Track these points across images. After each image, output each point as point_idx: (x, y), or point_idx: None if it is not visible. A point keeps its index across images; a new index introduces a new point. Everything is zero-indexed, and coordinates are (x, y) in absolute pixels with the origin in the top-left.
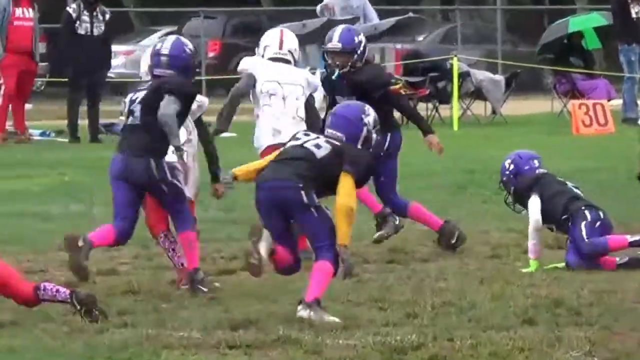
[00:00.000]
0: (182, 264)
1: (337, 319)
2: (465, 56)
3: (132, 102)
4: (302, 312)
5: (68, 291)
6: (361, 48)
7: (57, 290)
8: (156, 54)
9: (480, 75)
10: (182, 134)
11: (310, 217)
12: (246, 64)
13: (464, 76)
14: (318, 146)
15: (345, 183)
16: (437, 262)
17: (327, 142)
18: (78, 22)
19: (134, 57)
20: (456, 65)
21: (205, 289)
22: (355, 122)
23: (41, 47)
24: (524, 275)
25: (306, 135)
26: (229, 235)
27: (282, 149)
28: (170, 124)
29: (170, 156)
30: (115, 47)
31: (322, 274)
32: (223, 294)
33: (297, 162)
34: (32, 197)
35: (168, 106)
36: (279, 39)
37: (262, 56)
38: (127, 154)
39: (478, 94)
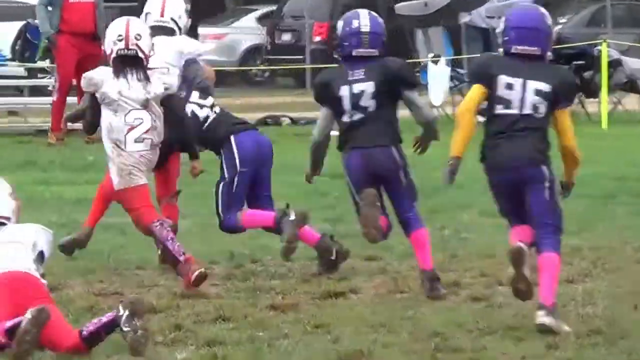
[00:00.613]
0: (184, 254)
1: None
2: (617, 41)
3: (355, 96)
4: (545, 319)
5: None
6: None
7: (99, 319)
8: (354, 33)
9: (635, 63)
10: (147, 120)
11: (544, 194)
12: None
13: (614, 65)
14: (535, 108)
15: (567, 122)
16: (583, 283)
17: (537, 92)
18: None
19: (227, 42)
20: (605, 52)
21: (443, 290)
22: (544, 28)
23: None
24: None
25: (509, 88)
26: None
27: (497, 112)
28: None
29: (135, 145)
30: (202, 30)
31: (554, 268)
32: (331, 320)
33: (531, 133)
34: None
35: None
36: (161, 4)
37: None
38: (363, 147)
39: (631, 86)
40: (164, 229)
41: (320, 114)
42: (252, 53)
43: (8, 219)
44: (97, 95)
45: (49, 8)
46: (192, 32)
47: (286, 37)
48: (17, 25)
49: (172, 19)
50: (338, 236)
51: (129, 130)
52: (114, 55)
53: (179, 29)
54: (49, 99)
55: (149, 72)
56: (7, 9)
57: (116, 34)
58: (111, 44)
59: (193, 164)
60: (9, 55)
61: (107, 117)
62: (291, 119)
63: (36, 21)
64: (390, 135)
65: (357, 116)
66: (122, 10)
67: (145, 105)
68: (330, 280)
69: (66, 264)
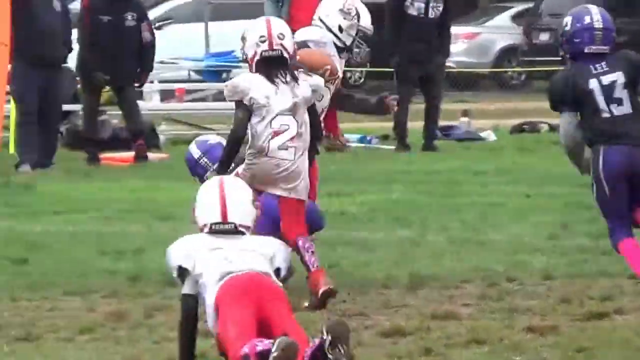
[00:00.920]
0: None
1: None
2: None
3: (607, 88)
4: None
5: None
6: None
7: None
8: (587, 29)
9: None
10: (293, 126)
11: None
12: None
13: None
14: None
15: None
16: None
17: None
18: (410, 0)
19: (479, 42)
20: None
21: None
22: None
23: None
24: None
25: None
26: (600, 269)
27: None
28: None
29: (278, 152)
30: (454, 29)
31: None
32: (593, 343)
33: None
34: (349, 219)
35: None
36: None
37: None
38: (628, 144)
39: None
40: None
41: (562, 120)
42: (507, 54)
43: (248, 228)
44: (245, 102)
45: (279, 4)
46: (445, 32)
47: (544, 36)
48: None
49: (319, 18)
50: (599, 252)
51: (273, 135)
52: (257, 57)
53: (327, 27)
54: None
55: (295, 73)
56: (238, 7)
57: (258, 35)
58: (254, 46)
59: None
60: (242, 57)
61: (253, 124)
62: (550, 125)
63: None
64: None
65: (617, 110)
66: (366, 6)
67: (293, 110)
68: (592, 300)
69: (304, 281)
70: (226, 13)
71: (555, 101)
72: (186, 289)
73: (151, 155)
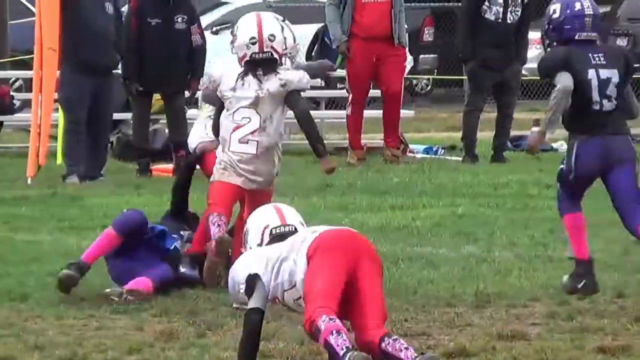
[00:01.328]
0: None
1: None
2: None
3: (603, 82)
4: None
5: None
6: None
7: (405, 349)
8: (578, 16)
9: None
10: (255, 120)
11: None
12: None
13: None
14: None
15: None
16: None
17: None
18: (487, 3)
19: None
20: None
21: None
22: None
23: (427, 34)
24: None
25: None
26: None
27: None
28: None
29: (238, 146)
30: (529, 35)
31: None
32: None
33: None
34: (413, 234)
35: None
36: None
37: None
38: (604, 135)
39: None
40: (217, 223)
41: (560, 77)
42: None
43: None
44: (217, 92)
45: (340, 8)
46: (522, 38)
47: (621, 42)
48: (313, 28)
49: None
50: None
51: (234, 129)
52: (247, 58)
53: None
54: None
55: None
56: (299, 10)
57: (248, 37)
58: (244, 47)
59: (320, 161)
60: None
61: (223, 114)
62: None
63: None
64: (627, 126)
65: (607, 106)
66: (433, 11)
67: (256, 103)
68: None
69: None
70: (287, 17)
71: (547, 71)
72: (254, 302)
73: None
